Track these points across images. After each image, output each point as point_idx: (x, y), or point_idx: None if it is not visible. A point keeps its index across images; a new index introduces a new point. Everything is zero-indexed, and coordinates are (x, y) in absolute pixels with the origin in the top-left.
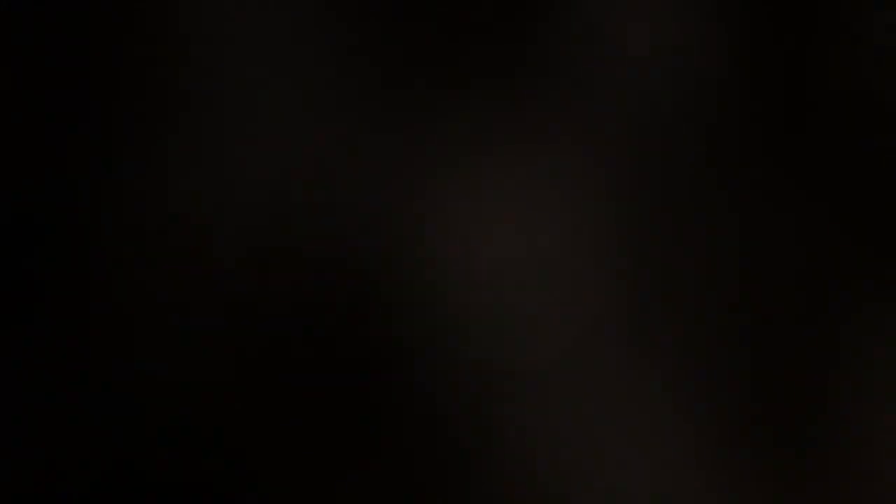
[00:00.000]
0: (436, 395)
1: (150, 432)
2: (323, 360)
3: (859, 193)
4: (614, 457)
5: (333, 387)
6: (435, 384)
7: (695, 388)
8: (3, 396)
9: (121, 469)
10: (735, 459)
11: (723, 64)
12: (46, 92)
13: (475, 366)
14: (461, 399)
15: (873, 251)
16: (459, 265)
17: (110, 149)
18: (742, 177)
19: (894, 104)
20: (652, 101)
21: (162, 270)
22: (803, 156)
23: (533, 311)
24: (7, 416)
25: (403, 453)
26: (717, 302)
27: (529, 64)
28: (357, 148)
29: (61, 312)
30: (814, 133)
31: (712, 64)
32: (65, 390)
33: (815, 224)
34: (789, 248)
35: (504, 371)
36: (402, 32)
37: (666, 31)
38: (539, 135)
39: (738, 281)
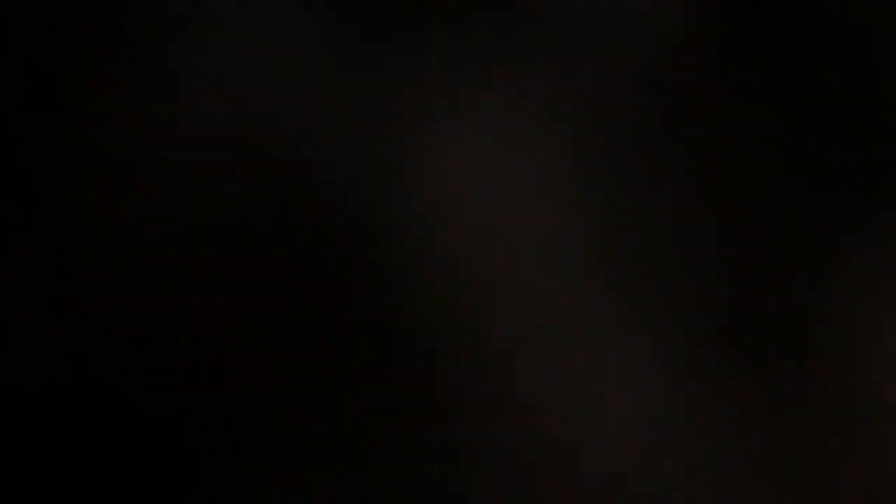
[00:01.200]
0: (419, 319)
1: (138, 355)
2: (309, 283)
3: (842, 132)
4: (596, 396)
5: (319, 310)
6: (416, 309)
7: (675, 329)
8: None
9: (108, 388)
10: (720, 403)
11: (705, 5)
12: (40, 22)
13: (456, 294)
14: (443, 326)
15: (855, 191)
16: (441, 196)
17: (100, 78)
18: (723, 115)
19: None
20: (631, 39)
21: (150, 201)
22: (784, 93)
23: (513, 244)
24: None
25: (386, 379)
26: (698, 241)
27: (510, 13)
28: (342, 83)
29: (53, 236)
30: (796, 70)
31: (689, 16)
32: (57, 310)
33: (797, 164)
34: (771, 186)
35: (485, 299)
36: None
37: None
38: (518, 74)
39: (717, 221)
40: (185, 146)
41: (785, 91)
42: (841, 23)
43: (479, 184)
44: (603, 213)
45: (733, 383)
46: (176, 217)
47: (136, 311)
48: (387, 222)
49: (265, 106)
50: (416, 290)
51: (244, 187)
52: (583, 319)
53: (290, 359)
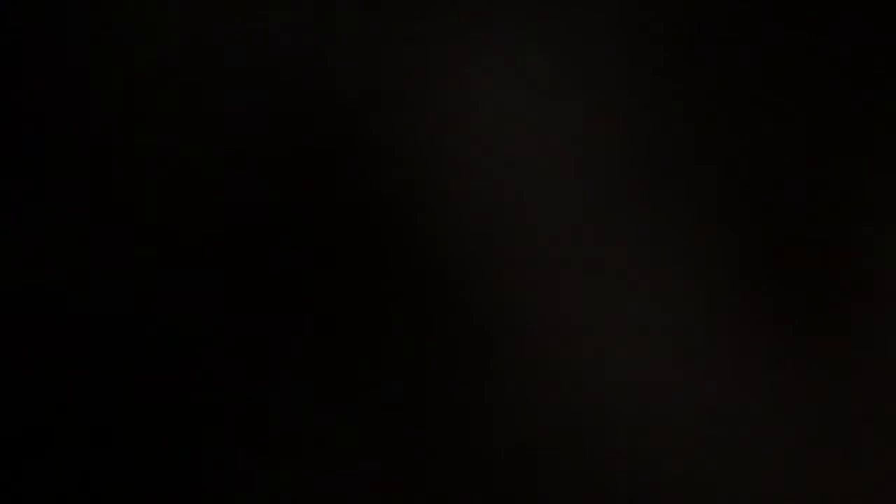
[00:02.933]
0: (436, 244)
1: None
2: (319, 205)
3: (860, 62)
4: (620, 333)
5: (332, 234)
6: (435, 234)
7: (698, 265)
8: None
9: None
10: (745, 340)
11: None
12: None
13: (475, 220)
14: (462, 253)
15: (874, 122)
16: (457, 119)
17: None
18: (737, 45)
19: None
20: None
21: (155, 122)
22: (802, 24)
23: (529, 174)
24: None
25: (407, 307)
26: (717, 174)
27: None
28: (356, 15)
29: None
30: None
31: None
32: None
33: (814, 94)
34: (787, 115)
35: (504, 226)
36: None
37: None
38: (533, 13)
39: (738, 153)
40: (192, 87)
41: (807, 16)
42: None
43: (492, 119)
44: (620, 148)
45: (757, 319)
46: (181, 133)
47: (145, 268)
48: (400, 155)
49: (273, 36)
50: (434, 230)
51: (250, 102)
52: (603, 256)
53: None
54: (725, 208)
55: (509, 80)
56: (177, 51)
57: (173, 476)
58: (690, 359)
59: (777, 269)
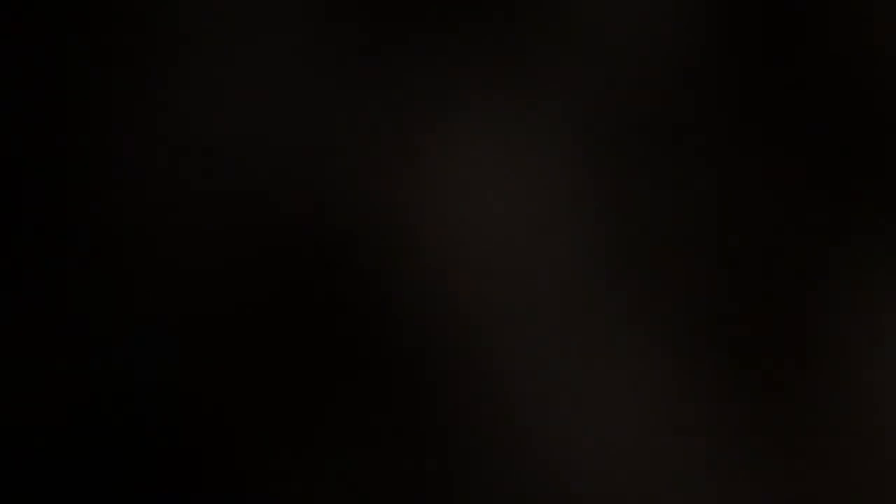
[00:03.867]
0: (419, 334)
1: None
2: (305, 301)
3: (838, 148)
4: (598, 401)
5: (316, 329)
6: (418, 324)
7: (678, 335)
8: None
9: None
10: (721, 406)
11: (703, 26)
12: (42, 34)
13: (456, 309)
14: (443, 339)
15: (850, 207)
16: (439, 214)
17: (100, 86)
18: (721, 131)
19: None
20: (639, 48)
21: (147, 213)
22: (783, 108)
23: (513, 258)
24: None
25: (385, 393)
26: (701, 246)
27: (515, 20)
28: (340, 100)
29: (49, 248)
30: (795, 86)
31: (694, 25)
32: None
33: (794, 179)
34: (767, 201)
35: (485, 312)
36: None
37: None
38: (518, 89)
39: (720, 226)
40: (188, 153)
41: (790, 100)
42: (847, 31)
43: (483, 191)
44: (606, 220)
45: (734, 386)
46: (179, 220)
47: (138, 315)
48: (390, 227)
49: (267, 112)
50: (415, 298)
51: (246, 195)
52: (585, 326)
53: (288, 373)
54: (707, 278)
55: (500, 155)
56: (165, 161)
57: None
58: (670, 427)
59: (754, 336)
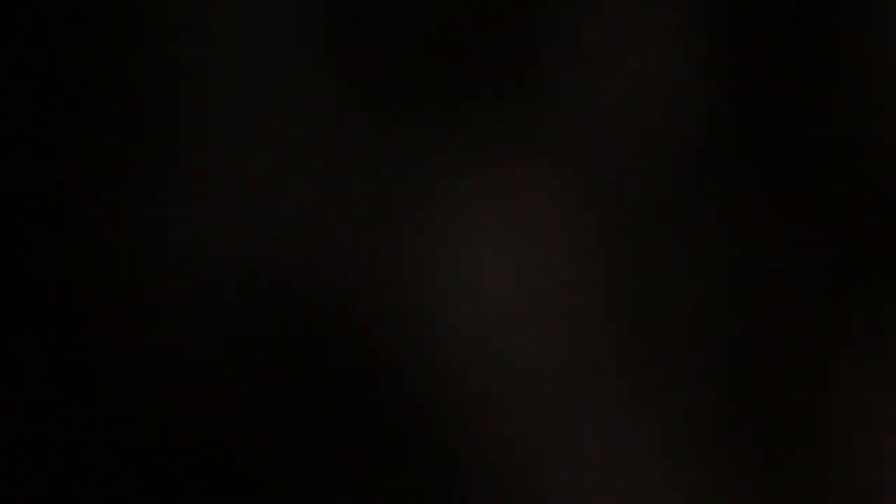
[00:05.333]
0: (423, 401)
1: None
2: (309, 370)
3: (846, 203)
4: (597, 469)
5: (320, 396)
6: (421, 390)
7: (681, 391)
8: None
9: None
10: (722, 464)
11: (708, 78)
12: (45, 93)
13: (460, 374)
14: (447, 404)
15: (858, 261)
16: (445, 280)
17: (105, 156)
18: (728, 187)
19: (881, 113)
20: (641, 117)
21: (152, 280)
22: (789, 164)
23: (519, 322)
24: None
25: (391, 461)
26: (703, 309)
27: (523, 82)
28: (344, 165)
29: (57, 313)
30: (800, 141)
31: (698, 77)
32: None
33: (802, 236)
34: (775, 258)
35: (490, 376)
36: (391, 49)
37: (656, 50)
38: (525, 153)
39: (726, 291)
40: (183, 225)
41: (795, 159)
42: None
43: (484, 256)
44: (615, 290)
45: (736, 464)
46: (177, 301)
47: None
48: (390, 296)
49: (266, 178)
50: (418, 364)
51: (242, 266)
52: (586, 390)
53: (290, 443)
54: (711, 347)
55: (500, 219)
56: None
57: None
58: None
59: (759, 415)
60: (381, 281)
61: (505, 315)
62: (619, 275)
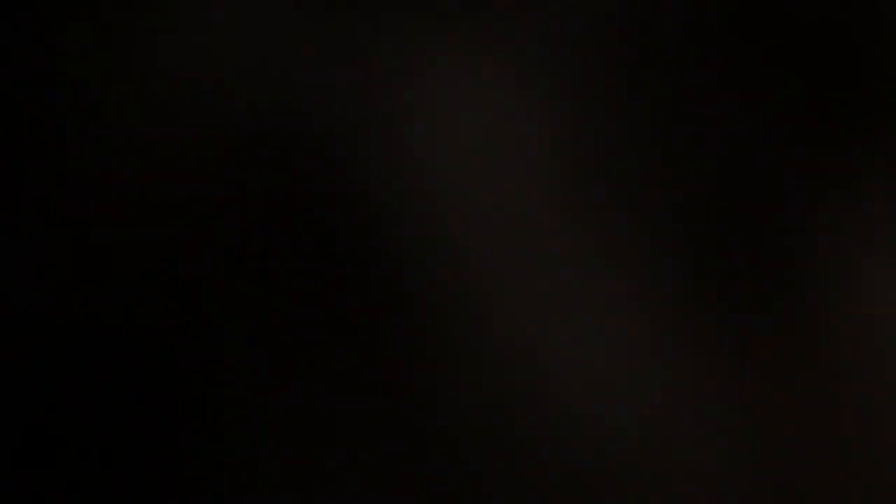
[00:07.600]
0: (402, 264)
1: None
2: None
3: (824, 68)
4: (579, 347)
5: (308, 263)
6: (400, 253)
7: (659, 279)
8: None
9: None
10: (708, 350)
11: None
12: None
13: (438, 240)
14: (424, 270)
15: (845, 142)
16: (415, 150)
17: (99, 16)
18: (701, 69)
19: None
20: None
21: (144, 140)
22: (771, 28)
23: (489, 199)
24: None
25: (371, 324)
26: (682, 190)
27: None
28: (320, 33)
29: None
30: (781, 28)
31: None
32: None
33: (786, 112)
34: (757, 135)
35: (465, 246)
36: None
37: None
38: (495, 33)
39: (702, 171)
40: (180, 90)
41: (768, 45)
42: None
43: (454, 139)
44: (581, 164)
45: (721, 329)
46: (172, 154)
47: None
48: (361, 178)
49: (246, 57)
50: (393, 250)
51: (228, 136)
52: (561, 270)
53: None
54: (689, 223)
55: (468, 93)
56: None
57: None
58: (657, 374)
59: (741, 280)
60: (371, 123)
61: (486, 165)
62: (595, 127)
